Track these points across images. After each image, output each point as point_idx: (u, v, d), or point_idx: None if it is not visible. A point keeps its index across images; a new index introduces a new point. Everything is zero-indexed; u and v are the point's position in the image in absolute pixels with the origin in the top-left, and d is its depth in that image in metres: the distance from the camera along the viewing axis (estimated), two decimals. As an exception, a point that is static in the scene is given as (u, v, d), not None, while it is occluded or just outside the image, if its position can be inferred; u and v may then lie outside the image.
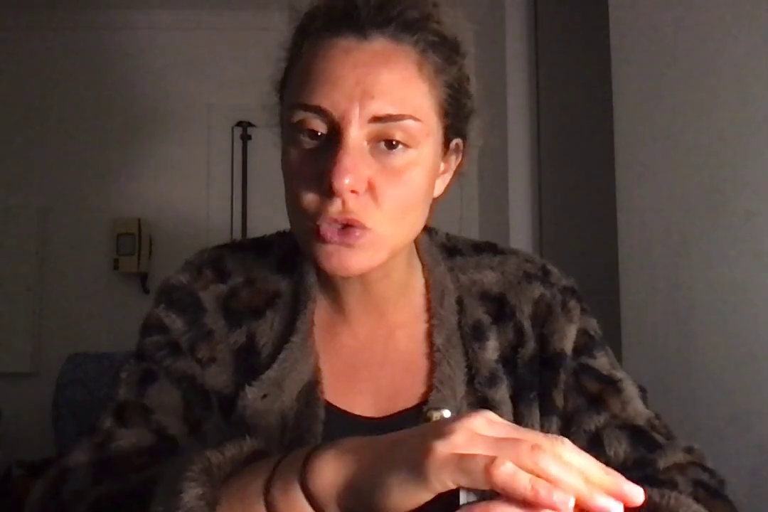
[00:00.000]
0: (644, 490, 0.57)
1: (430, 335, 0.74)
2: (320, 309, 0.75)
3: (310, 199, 0.62)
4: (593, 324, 0.76)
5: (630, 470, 0.67)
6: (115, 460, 0.64)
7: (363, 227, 0.62)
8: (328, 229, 0.61)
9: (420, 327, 0.75)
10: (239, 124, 2.86)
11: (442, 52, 0.65)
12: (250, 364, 0.72)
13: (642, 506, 0.55)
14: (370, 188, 0.61)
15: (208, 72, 2.87)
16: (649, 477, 0.66)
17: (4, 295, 2.71)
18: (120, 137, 2.85)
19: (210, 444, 0.61)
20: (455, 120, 0.67)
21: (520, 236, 2.34)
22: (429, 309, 0.75)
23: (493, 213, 2.60)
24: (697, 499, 0.61)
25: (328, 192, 0.60)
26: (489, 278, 0.76)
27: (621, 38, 1.56)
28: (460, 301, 0.75)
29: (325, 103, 0.60)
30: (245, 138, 2.87)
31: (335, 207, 0.60)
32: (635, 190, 1.50)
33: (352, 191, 0.60)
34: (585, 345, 0.74)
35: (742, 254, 1.18)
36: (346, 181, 0.59)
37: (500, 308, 0.75)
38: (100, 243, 2.79)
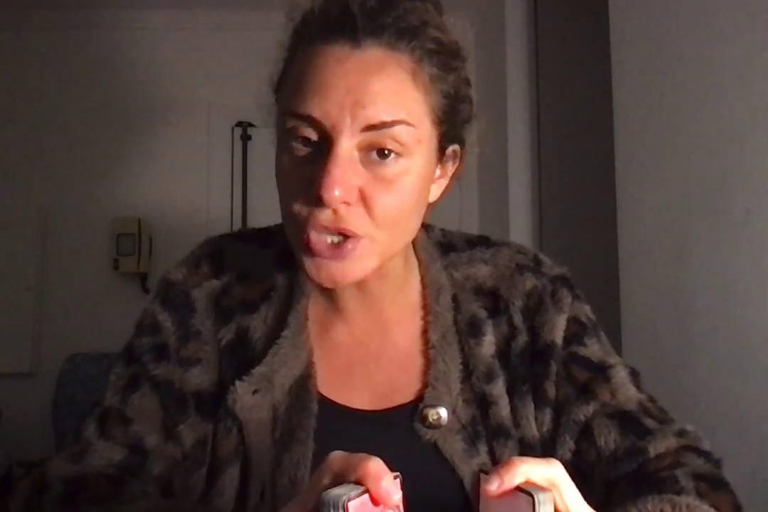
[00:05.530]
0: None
1: (425, 332, 0.74)
2: (316, 305, 0.75)
3: (300, 206, 0.62)
4: (585, 311, 0.76)
5: (622, 460, 0.67)
6: (86, 481, 0.67)
7: (355, 236, 0.62)
8: (318, 242, 0.61)
9: (416, 323, 0.75)
10: (239, 124, 2.85)
11: (439, 59, 0.64)
12: (241, 359, 0.72)
13: None
14: (362, 197, 0.61)
15: (208, 72, 2.86)
16: (644, 469, 0.66)
17: (4, 295, 2.71)
18: (120, 137, 2.84)
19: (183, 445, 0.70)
20: (451, 127, 0.67)
21: (520, 236, 2.34)
22: (425, 306, 0.75)
23: (493, 213, 2.60)
24: (699, 494, 0.61)
25: (317, 202, 0.60)
26: (482, 272, 0.76)
27: (621, 38, 1.56)
28: (455, 298, 0.75)
29: (316, 113, 0.60)
30: (245, 138, 2.86)
31: (325, 216, 0.61)
32: (635, 190, 1.50)
33: (344, 202, 0.60)
34: (575, 333, 0.73)
35: (742, 254, 1.18)
36: (336, 192, 0.59)
37: (494, 302, 0.75)
38: (100, 243, 2.78)
